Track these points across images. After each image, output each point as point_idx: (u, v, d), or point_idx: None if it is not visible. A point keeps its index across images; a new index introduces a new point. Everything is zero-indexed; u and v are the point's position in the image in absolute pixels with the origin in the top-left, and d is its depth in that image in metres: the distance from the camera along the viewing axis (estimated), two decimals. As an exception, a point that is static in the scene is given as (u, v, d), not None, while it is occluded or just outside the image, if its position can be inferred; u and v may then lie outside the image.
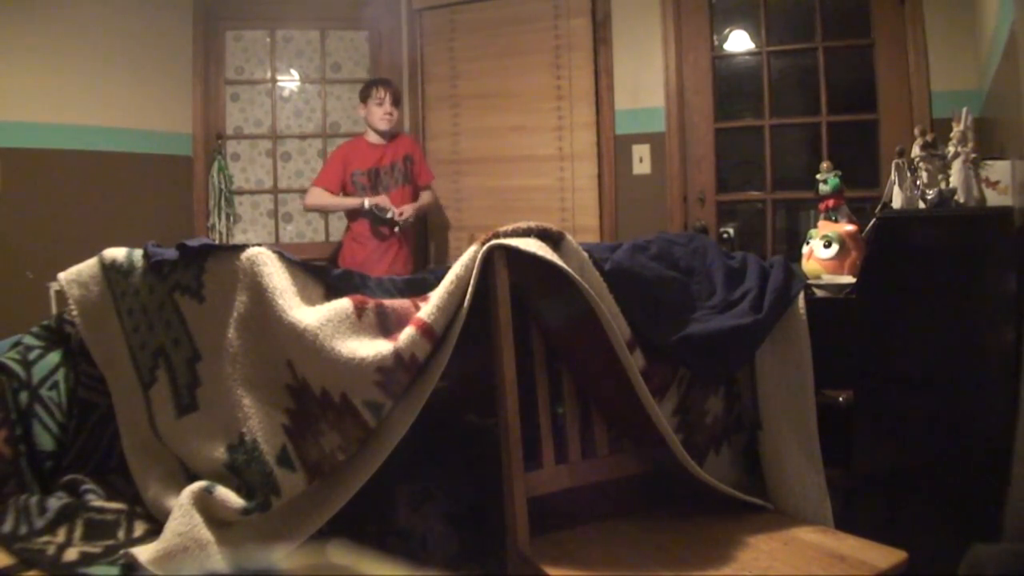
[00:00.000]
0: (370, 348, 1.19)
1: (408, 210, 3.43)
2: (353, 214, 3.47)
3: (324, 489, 1.23)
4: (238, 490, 1.24)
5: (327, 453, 1.21)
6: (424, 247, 3.99)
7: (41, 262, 3.10)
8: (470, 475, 1.52)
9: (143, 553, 1.18)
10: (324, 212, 3.73)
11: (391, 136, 3.50)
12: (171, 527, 1.20)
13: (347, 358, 1.17)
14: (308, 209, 3.67)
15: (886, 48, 3.16)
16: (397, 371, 1.18)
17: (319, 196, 3.47)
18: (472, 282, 1.23)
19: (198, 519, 1.21)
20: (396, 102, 3.46)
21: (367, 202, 3.36)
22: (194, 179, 3.84)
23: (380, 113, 3.43)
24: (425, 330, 1.21)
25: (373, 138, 3.50)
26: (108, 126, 3.56)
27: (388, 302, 1.29)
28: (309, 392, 1.23)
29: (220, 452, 1.29)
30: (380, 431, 1.21)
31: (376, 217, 3.38)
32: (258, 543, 1.20)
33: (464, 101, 3.94)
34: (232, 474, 1.27)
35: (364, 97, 3.47)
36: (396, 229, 3.40)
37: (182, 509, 1.22)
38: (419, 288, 1.40)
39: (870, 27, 3.20)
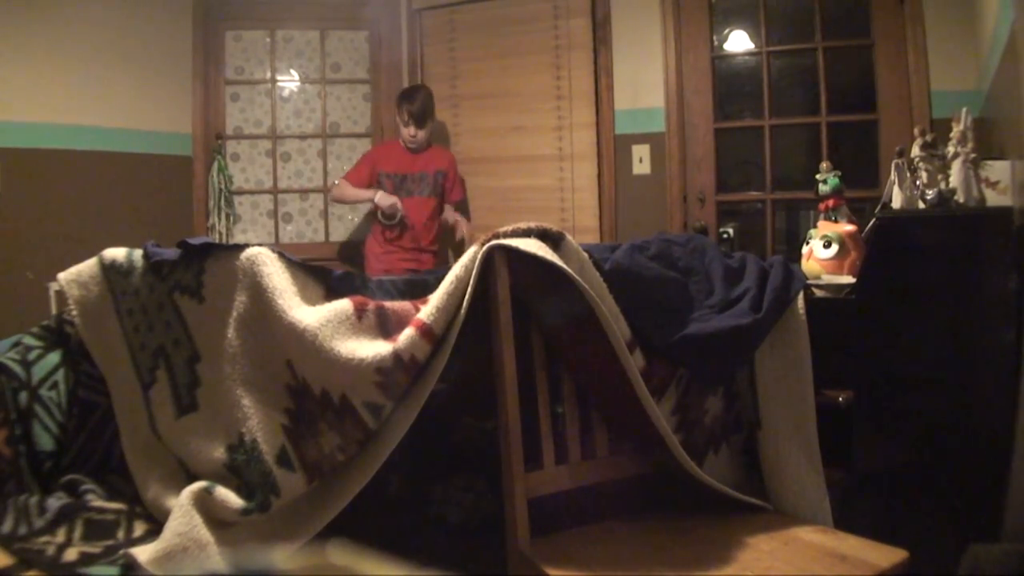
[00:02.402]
0: (369, 349, 1.19)
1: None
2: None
3: (324, 491, 1.23)
4: (238, 490, 1.24)
5: (326, 453, 1.21)
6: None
7: (41, 262, 3.10)
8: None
9: (143, 553, 1.18)
10: (342, 203, 3.80)
11: (424, 148, 3.55)
12: (171, 527, 1.20)
13: (346, 359, 1.17)
14: (332, 200, 3.78)
15: (886, 48, 3.16)
16: (396, 372, 1.18)
17: (342, 187, 3.55)
18: (472, 283, 1.23)
19: (198, 519, 1.21)
20: (420, 123, 3.47)
21: (377, 197, 3.40)
22: (194, 179, 3.84)
23: (404, 134, 3.50)
24: (425, 331, 1.21)
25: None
26: (108, 126, 3.56)
27: (388, 304, 1.29)
28: (309, 392, 1.23)
29: (220, 452, 1.30)
30: (379, 432, 1.21)
31: (384, 216, 3.43)
32: (258, 544, 1.20)
33: (464, 101, 3.94)
34: (232, 474, 1.27)
35: (397, 108, 3.52)
36: (395, 222, 3.43)
37: (182, 509, 1.22)
38: (419, 289, 1.40)
39: (870, 27, 3.20)
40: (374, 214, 3.51)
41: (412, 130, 3.46)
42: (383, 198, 3.40)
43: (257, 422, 1.27)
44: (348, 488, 1.20)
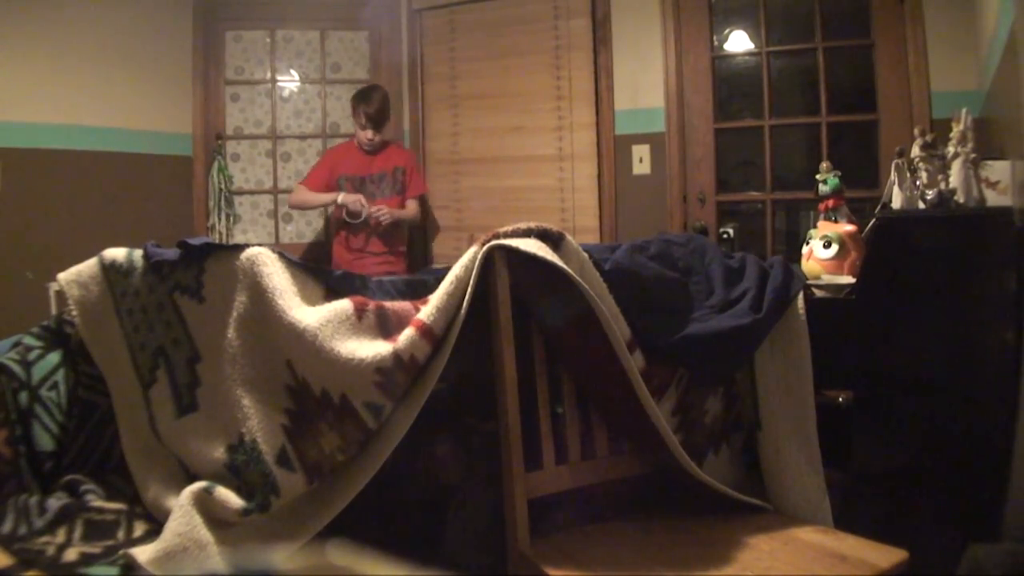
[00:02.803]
0: (369, 349, 1.19)
1: (384, 210, 3.39)
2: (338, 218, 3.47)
3: (324, 491, 1.23)
4: (238, 491, 1.24)
5: (327, 454, 1.21)
6: (424, 248, 3.99)
7: (41, 262, 3.09)
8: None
9: (143, 553, 1.18)
10: (304, 209, 3.73)
11: (380, 148, 3.51)
12: (171, 527, 1.20)
13: (346, 359, 1.17)
14: (291, 207, 3.70)
15: (886, 48, 3.16)
16: (396, 372, 1.18)
17: (300, 192, 3.52)
18: (471, 283, 1.23)
19: (198, 519, 1.21)
20: (377, 126, 3.42)
21: (340, 197, 3.37)
22: (194, 179, 3.84)
23: (361, 136, 3.46)
24: (424, 331, 1.21)
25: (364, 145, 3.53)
26: (108, 126, 3.56)
27: (389, 304, 1.29)
28: (309, 392, 1.23)
29: (220, 452, 1.29)
30: (380, 432, 1.21)
31: (349, 216, 3.38)
32: (258, 544, 1.20)
33: (464, 101, 3.94)
34: (232, 474, 1.27)
35: (352, 110, 3.47)
36: (360, 220, 3.37)
37: (182, 509, 1.22)
38: (419, 290, 1.40)
39: (870, 27, 3.20)
40: (338, 220, 3.46)
41: (369, 133, 3.42)
42: (347, 196, 3.36)
43: (257, 422, 1.27)
44: (348, 488, 1.20)
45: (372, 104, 3.41)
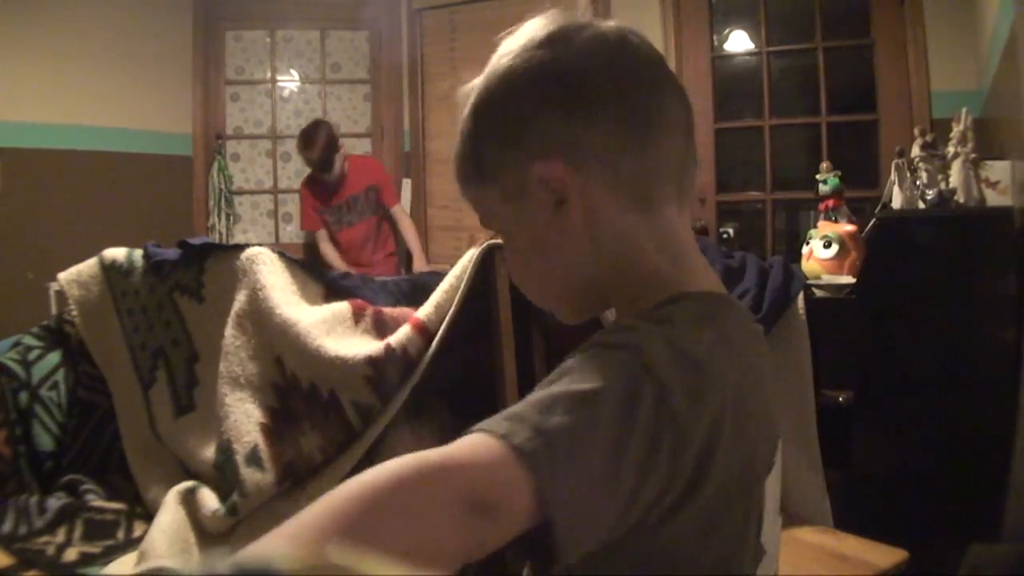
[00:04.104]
0: (363, 346, 1.19)
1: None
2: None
3: (318, 492, 1.22)
4: (219, 491, 1.23)
5: (305, 453, 1.19)
6: (423, 248, 3.99)
7: (41, 262, 3.09)
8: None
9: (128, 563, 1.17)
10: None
11: (341, 179, 3.35)
12: (158, 524, 1.20)
13: (337, 353, 1.17)
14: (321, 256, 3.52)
15: (886, 48, 3.16)
16: (387, 365, 1.16)
17: (327, 249, 3.42)
18: (467, 278, 1.22)
19: (183, 518, 1.20)
20: (325, 168, 3.21)
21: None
22: (194, 179, 3.84)
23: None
24: (419, 327, 1.20)
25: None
26: (108, 126, 3.56)
27: (387, 310, 1.28)
28: (297, 388, 1.22)
29: (211, 452, 1.29)
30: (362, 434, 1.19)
31: None
32: (250, 544, 1.20)
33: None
34: (219, 474, 1.26)
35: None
36: None
37: (167, 507, 1.21)
38: (421, 291, 1.39)
39: (870, 27, 3.20)
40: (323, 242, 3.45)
41: (323, 176, 3.27)
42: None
43: (234, 420, 1.24)
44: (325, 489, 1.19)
45: (314, 150, 3.19)
